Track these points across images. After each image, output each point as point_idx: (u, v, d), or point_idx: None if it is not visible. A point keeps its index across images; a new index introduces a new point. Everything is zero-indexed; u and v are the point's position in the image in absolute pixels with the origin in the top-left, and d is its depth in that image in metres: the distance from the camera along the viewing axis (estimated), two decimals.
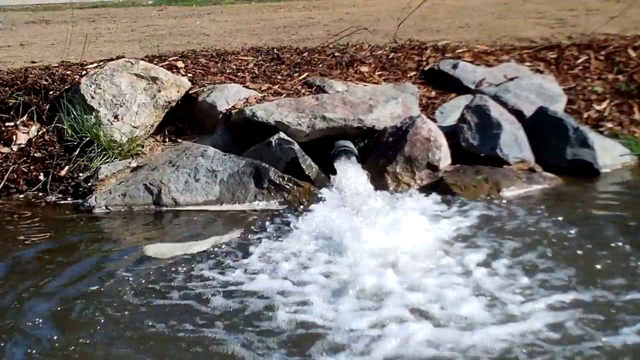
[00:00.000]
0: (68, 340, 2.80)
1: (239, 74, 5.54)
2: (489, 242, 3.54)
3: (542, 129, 4.74)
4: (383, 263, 3.29)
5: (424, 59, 5.92)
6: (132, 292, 3.16)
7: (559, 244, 3.51)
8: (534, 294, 3.01)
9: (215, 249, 3.60)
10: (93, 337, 2.82)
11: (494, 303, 2.93)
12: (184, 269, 3.38)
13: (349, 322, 2.80)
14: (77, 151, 4.71)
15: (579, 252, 3.42)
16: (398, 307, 2.90)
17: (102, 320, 2.93)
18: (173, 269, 3.38)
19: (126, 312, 2.99)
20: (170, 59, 5.64)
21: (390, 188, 4.35)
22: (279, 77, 5.50)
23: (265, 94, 5.13)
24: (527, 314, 2.84)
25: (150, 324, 2.89)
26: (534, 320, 2.78)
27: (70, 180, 4.62)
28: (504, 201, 4.12)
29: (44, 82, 5.07)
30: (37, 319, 2.95)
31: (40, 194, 4.57)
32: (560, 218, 3.82)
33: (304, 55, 5.98)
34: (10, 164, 4.68)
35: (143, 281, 3.27)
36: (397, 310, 2.88)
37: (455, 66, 5.60)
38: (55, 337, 2.82)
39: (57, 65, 5.50)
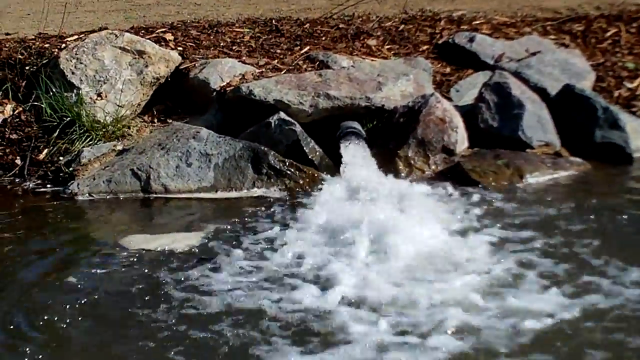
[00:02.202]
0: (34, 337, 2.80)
1: (234, 47, 5.48)
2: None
3: (568, 109, 4.70)
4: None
5: (437, 31, 5.87)
6: (107, 289, 3.14)
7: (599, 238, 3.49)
8: None
9: (201, 243, 3.56)
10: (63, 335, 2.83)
11: None
12: (166, 266, 3.32)
13: None
14: (57, 132, 4.66)
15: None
16: None
17: (71, 320, 2.91)
18: (154, 266, 3.33)
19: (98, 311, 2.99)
20: (158, 30, 5.58)
21: (402, 174, 4.30)
22: (278, 51, 5.45)
23: (263, 69, 5.08)
24: None
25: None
26: None
27: (49, 165, 4.57)
28: (530, 190, 4.11)
29: (20, 56, 5.01)
30: None
31: (17, 180, 4.53)
32: (596, 208, 3.82)
33: (305, 26, 5.92)
34: None
35: (118, 278, 3.24)
36: None
37: (472, 39, 5.54)
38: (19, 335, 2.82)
39: (33, 37, 5.42)
